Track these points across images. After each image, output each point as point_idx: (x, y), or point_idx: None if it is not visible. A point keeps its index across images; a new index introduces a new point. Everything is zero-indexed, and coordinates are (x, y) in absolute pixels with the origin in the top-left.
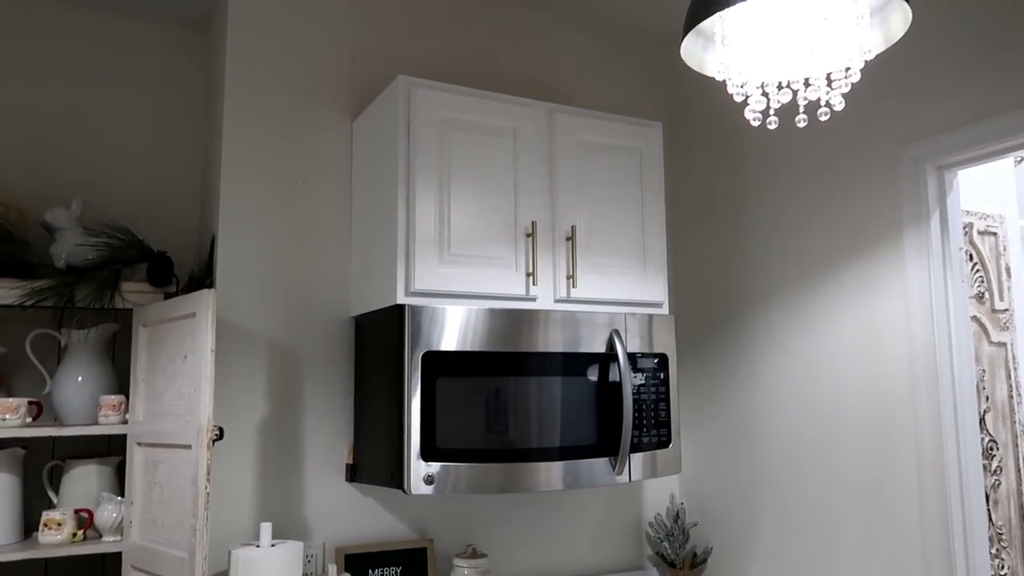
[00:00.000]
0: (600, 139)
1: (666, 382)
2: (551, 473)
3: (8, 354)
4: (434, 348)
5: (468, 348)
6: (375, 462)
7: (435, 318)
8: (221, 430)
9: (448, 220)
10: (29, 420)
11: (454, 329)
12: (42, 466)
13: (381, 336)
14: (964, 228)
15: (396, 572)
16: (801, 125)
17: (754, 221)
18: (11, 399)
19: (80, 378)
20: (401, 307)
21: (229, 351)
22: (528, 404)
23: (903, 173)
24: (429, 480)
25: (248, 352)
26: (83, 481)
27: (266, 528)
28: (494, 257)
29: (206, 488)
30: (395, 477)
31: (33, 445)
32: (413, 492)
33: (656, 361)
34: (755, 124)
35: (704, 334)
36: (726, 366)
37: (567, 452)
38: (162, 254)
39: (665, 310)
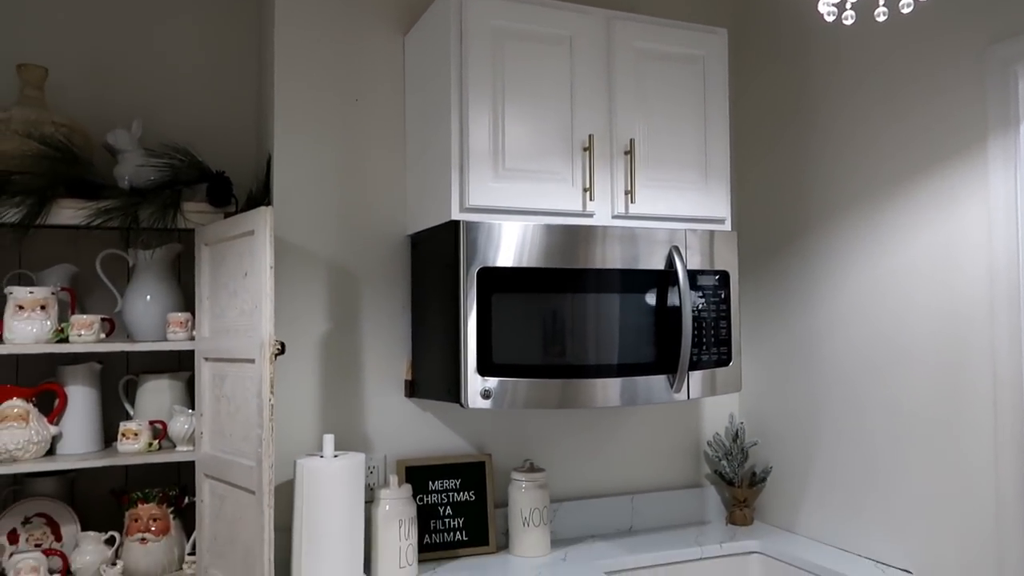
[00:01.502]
0: (661, 47)
1: (727, 300)
2: (608, 389)
3: (80, 274)
4: (490, 264)
5: (524, 264)
6: (433, 378)
7: (490, 234)
8: (283, 345)
9: (502, 134)
10: (103, 336)
11: (509, 245)
12: (118, 380)
13: (437, 253)
14: None
15: (455, 484)
16: (881, 19)
17: (824, 134)
18: (86, 316)
19: (149, 296)
20: (456, 223)
21: (288, 269)
22: (585, 320)
23: (990, 76)
24: (486, 394)
25: (306, 270)
26: (156, 395)
27: (328, 440)
28: (550, 172)
29: (270, 400)
30: (452, 391)
31: (108, 360)
32: (470, 406)
33: (717, 278)
34: (830, 19)
35: (768, 251)
36: (789, 284)
37: (625, 369)
38: (220, 174)
39: (728, 226)
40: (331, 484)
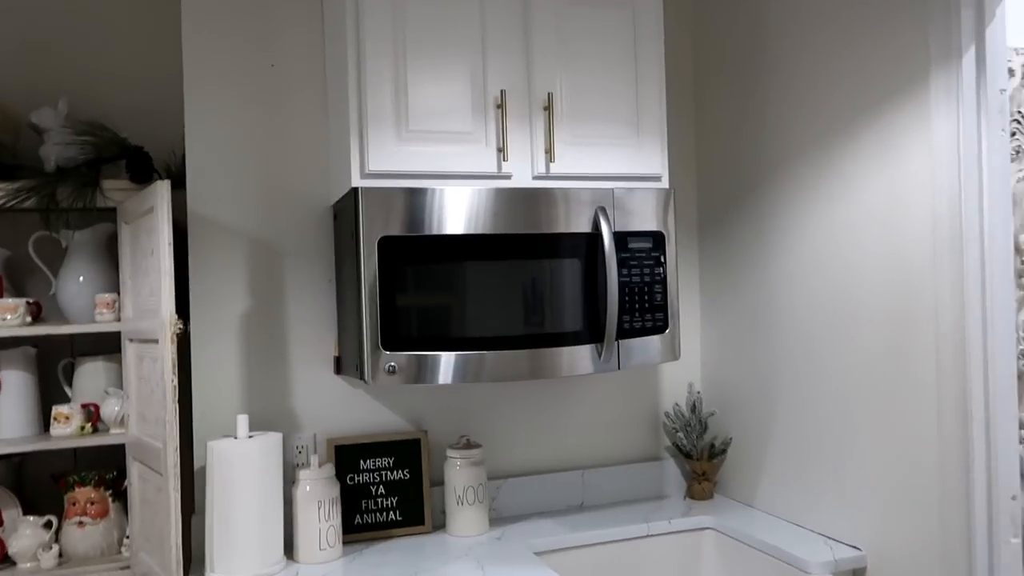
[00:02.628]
0: None
1: (662, 262)
2: (528, 361)
3: (15, 257)
4: (392, 233)
5: (429, 232)
6: (349, 354)
7: (391, 201)
8: (185, 325)
9: (405, 92)
10: (28, 320)
11: (413, 212)
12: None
13: (345, 223)
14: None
15: (389, 463)
16: None
17: (769, 79)
18: (10, 300)
19: (81, 278)
20: (355, 191)
21: (206, 244)
22: (499, 289)
23: (932, 1)
24: (391, 370)
25: (226, 245)
26: (92, 377)
27: (242, 420)
28: (459, 132)
29: (172, 381)
30: (359, 368)
31: (47, 344)
32: (373, 383)
33: (650, 240)
34: None
35: (722, 211)
36: (744, 245)
37: (547, 339)
38: (139, 149)
39: (664, 183)
40: (242, 466)
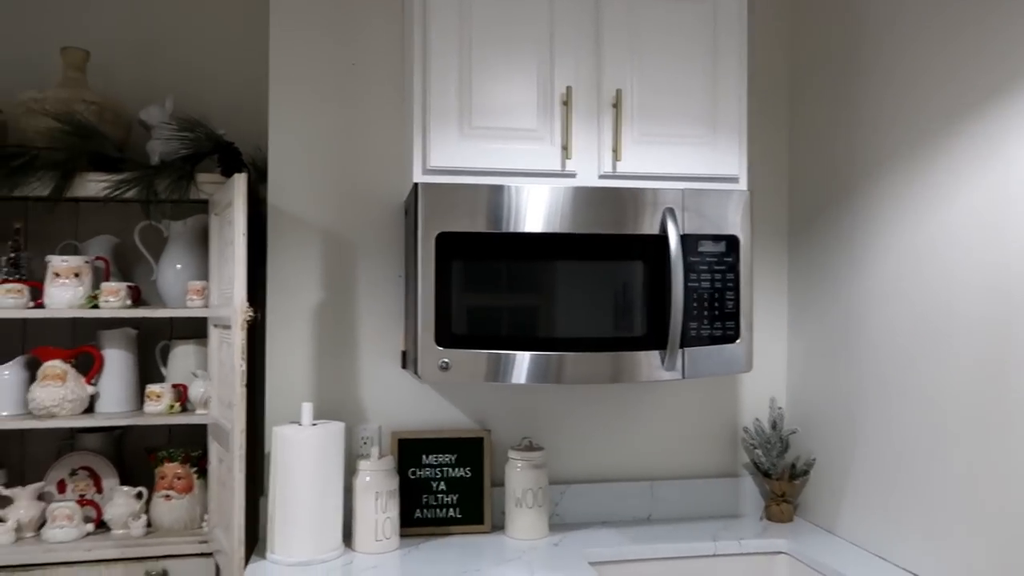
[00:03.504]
0: None
1: (734, 268)
2: (586, 364)
3: (123, 245)
4: (450, 229)
5: (489, 229)
6: (410, 349)
7: (451, 197)
8: (255, 313)
9: (469, 88)
10: (128, 303)
11: (474, 208)
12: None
13: (410, 219)
14: None
15: (451, 459)
16: None
17: (867, 76)
18: (113, 283)
19: (179, 266)
20: (416, 186)
21: (283, 237)
22: (558, 290)
23: None
24: (444, 367)
25: (304, 238)
26: (184, 359)
27: (307, 408)
28: (523, 129)
29: (241, 366)
30: (414, 363)
31: (149, 326)
32: (425, 379)
33: (723, 244)
34: None
35: (813, 215)
36: (836, 251)
37: (608, 343)
38: (229, 145)
39: (741, 185)
40: (303, 453)
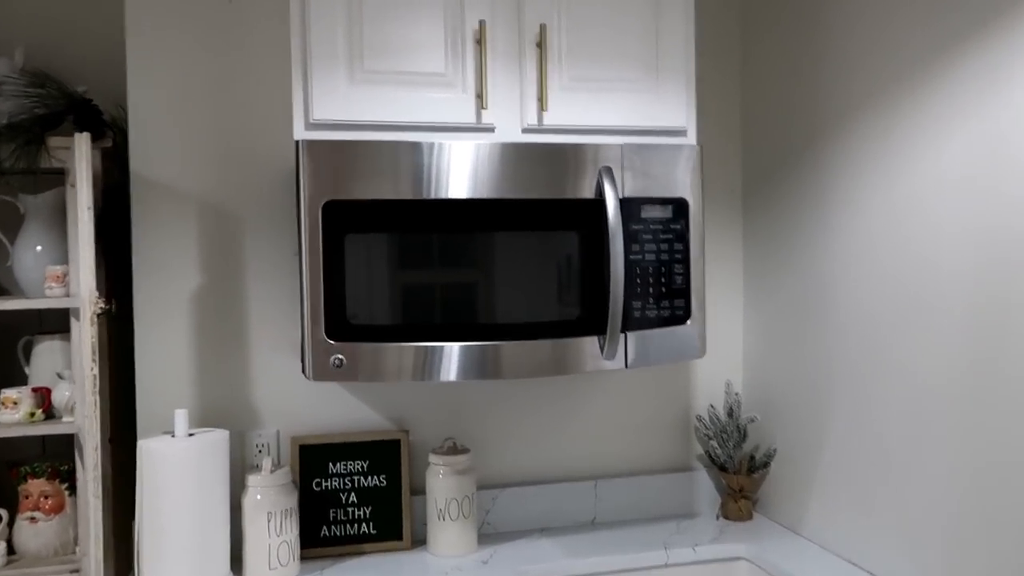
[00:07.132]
0: None
1: (683, 236)
2: (510, 355)
3: None
4: (340, 197)
5: (388, 196)
6: (299, 341)
7: (341, 157)
8: (110, 302)
9: (360, 22)
10: None
11: (368, 171)
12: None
13: (296, 186)
14: None
15: (362, 467)
16: None
17: (833, 10)
18: None
19: (39, 248)
20: (297, 144)
21: (154, 211)
22: (473, 268)
23: None
24: (338, 364)
25: (177, 211)
26: (49, 357)
27: (180, 415)
28: (428, 73)
29: (92, 370)
30: (302, 360)
31: (11, 319)
32: (314, 379)
33: (670, 208)
34: None
35: (772, 174)
36: (798, 215)
37: (535, 329)
38: (87, 102)
39: (690, 139)
40: (176, 470)
